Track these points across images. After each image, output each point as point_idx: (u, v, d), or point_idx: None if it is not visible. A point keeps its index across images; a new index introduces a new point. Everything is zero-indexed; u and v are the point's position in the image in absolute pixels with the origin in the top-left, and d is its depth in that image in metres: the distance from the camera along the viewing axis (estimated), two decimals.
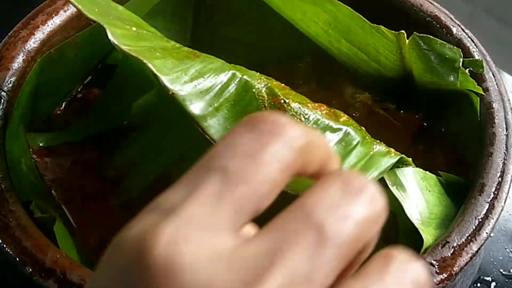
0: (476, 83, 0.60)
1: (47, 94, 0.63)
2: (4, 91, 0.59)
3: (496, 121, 0.59)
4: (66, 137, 0.62)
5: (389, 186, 0.52)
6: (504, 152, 0.56)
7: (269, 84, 0.53)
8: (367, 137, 0.56)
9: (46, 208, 0.56)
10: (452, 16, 0.67)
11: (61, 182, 0.60)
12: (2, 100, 0.58)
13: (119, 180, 0.60)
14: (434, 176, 0.57)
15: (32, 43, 0.62)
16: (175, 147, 0.59)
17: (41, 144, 0.61)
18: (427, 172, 0.56)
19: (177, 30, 0.73)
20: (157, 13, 0.63)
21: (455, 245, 0.50)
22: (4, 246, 0.49)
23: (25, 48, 0.61)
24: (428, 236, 0.51)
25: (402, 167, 0.55)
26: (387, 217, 0.51)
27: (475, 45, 0.64)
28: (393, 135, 0.70)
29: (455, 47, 0.60)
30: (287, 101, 0.52)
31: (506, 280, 0.70)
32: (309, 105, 0.55)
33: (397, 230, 0.53)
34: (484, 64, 0.62)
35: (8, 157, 0.56)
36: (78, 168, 0.61)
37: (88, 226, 0.61)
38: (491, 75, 0.62)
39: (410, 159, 0.55)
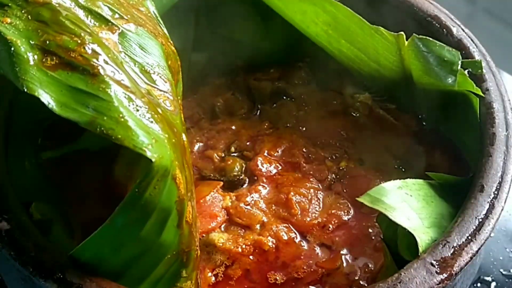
0: (475, 84, 0.60)
1: None
2: (5, 93, 0.59)
3: (496, 121, 0.59)
4: (67, 148, 0.62)
5: (371, 205, 0.53)
6: (504, 152, 0.56)
7: None
8: None
9: (45, 211, 0.56)
10: (452, 16, 0.67)
11: (64, 182, 0.60)
12: (4, 102, 0.58)
13: (122, 183, 0.60)
14: (420, 180, 0.57)
15: None
16: None
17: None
18: (406, 180, 0.56)
19: (180, 33, 0.73)
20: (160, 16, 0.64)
21: (455, 245, 0.50)
22: (4, 246, 0.49)
23: None
24: (421, 234, 0.52)
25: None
26: (386, 221, 0.52)
27: (475, 45, 0.64)
28: (393, 135, 0.70)
29: (453, 50, 0.60)
30: None
31: (506, 280, 0.70)
32: None
33: (396, 231, 0.54)
34: (484, 64, 0.62)
35: (10, 156, 0.56)
36: (83, 169, 0.61)
37: (88, 227, 0.61)
38: (491, 75, 0.62)
39: None
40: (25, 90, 0.44)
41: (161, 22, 0.58)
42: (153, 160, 0.44)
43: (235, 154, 0.69)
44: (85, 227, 0.60)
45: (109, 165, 0.60)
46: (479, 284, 0.70)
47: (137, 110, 0.46)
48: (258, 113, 0.74)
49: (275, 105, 0.74)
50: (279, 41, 0.75)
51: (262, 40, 0.75)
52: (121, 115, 0.45)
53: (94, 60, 0.46)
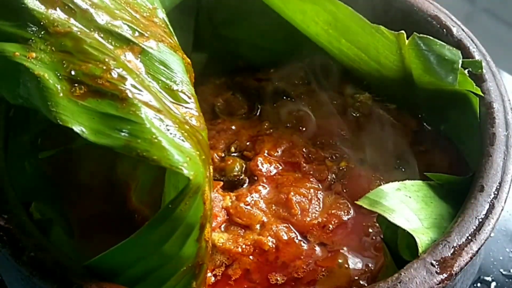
0: (475, 84, 0.60)
1: None
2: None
3: (496, 121, 0.59)
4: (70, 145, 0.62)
5: (370, 208, 0.53)
6: (504, 152, 0.56)
7: None
8: None
9: (45, 211, 0.56)
10: (452, 16, 0.67)
11: (64, 180, 0.60)
12: (3, 102, 0.58)
13: (124, 181, 0.60)
14: (419, 181, 0.57)
15: None
16: None
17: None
18: (405, 181, 0.56)
19: (180, 33, 0.73)
20: None
21: (455, 245, 0.50)
22: (4, 246, 0.49)
23: None
24: (421, 235, 0.52)
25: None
26: (386, 221, 0.52)
27: (475, 45, 0.64)
28: (393, 135, 0.70)
29: (454, 49, 0.60)
30: None
31: (506, 280, 0.70)
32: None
33: (396, 231, 0.54)
34: (484, 64, 0.62)
35: (10, 157, 0.56)
36: (85, 169, 0.61)
37: (88, 227, 0.61)
38: (491, 75, 0.62)
39: None
40: (59, 122, 0.45)
41: (172, 30, 0.58)
42: (191, 178, 0.45)
43: (235, 154, 0.69)
44: (85, 223, 0.61)
45: (110, 161, 0.60)
46: (479, 284, 0.70)
47: (168, 130, 0.46)
48: (258, 113, 0.74)
49: (275, 105, 0.74)
50: (279, 41, 0.75)
51: (262, 40, 0.75)
52: (154, 136, 0.45)
53: (121, 84, 0.47)
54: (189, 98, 0.51)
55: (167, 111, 0.48)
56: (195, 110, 0.51)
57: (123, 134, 0.45)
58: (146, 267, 0.48)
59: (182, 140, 0.46)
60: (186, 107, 0.51)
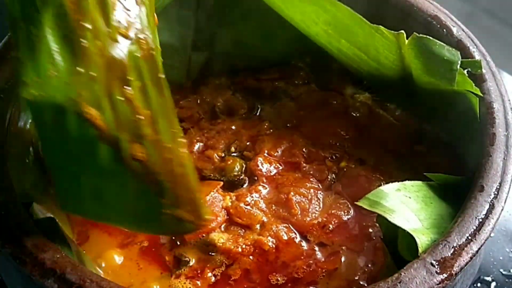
0: (474, 84, 0.60)
1: None
2: (4, 90, 0.59)
3: (496, 121, 0.59)
4: None
5: (370, 209, 0.53)
6: (504, 152, 0.56)
7: None
8: None
9: (45, 211, 0.56)
10: (452, 16, 0.67)
11: None
12: (2, 98, 0.58)
13: None
14: (418, 182, 0.57)
15: None
16: None
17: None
18: (405, 182, 0.56)
19: (180, 32, 0.73)
20: (160, 15, 0.64)
21: (455, 245, 0.50)
22: (4, 246, 0.49)
23: None
24: (421, 235, 0.52)
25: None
26: (386, 222, 0.52)
27: (475, 45, 0.64)
28: (393, 135, 0.70)
29: (453, 49, 0.60)
30: None
31: (506, 280, 0.70)
32: None
33: (396, 231, 0.54)
34: (484, 64, 0.62)
35: (10, 156, 0.56)
36: None
37: (87, 227, 0.61)
38: (491, 75, 0.62)
39: None
40: None
41: None
42: (27, 97, 0.42)
43: (235, 154, 0.69)
44: (84, 223, 0.61)
45: None
46: (479, 284, 0.70)
47: (63, 38, 0.43)
48: (258, 113, 0.74)
49: (275, 105, 0.74)
50: (279, 41, 0.75)
51: (262, 40, 0.75)
52: (35, 35, 0.42)
53: None
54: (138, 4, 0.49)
55: (91, 14, 0.45)
56: (139, 23, 0.48)
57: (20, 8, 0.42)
58: (91, 184, 0.49)
59: (58, 52, 0.43)
60: (126, 12, 0.48)
